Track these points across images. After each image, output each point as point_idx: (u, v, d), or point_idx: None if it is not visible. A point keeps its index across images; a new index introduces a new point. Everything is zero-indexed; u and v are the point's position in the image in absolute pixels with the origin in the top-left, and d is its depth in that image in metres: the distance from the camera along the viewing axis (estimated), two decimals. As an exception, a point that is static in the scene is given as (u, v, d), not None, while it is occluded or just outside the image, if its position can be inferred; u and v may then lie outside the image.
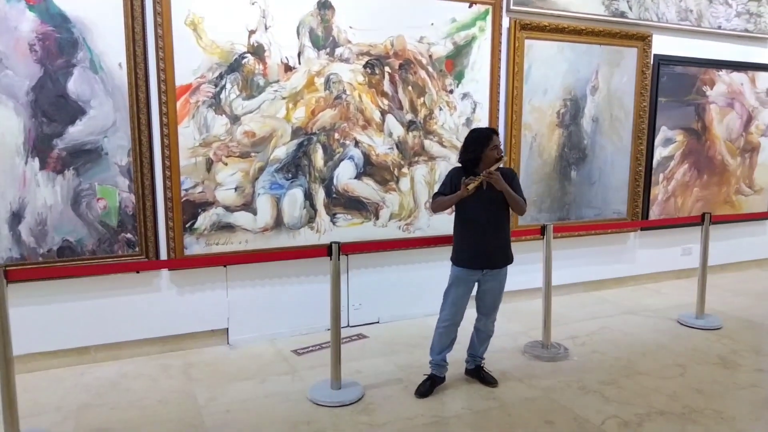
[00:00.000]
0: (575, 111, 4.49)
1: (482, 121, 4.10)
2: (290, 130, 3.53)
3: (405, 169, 3.91)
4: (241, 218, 3.50)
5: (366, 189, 3.81)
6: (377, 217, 3.87)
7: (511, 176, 2.80)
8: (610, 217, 4.74)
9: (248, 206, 3.51)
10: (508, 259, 2.86)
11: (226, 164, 3.43)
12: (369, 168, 3.79)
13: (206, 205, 3.42)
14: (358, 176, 3.76)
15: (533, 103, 4.29)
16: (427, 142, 3.95)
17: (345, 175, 3.74)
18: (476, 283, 2.84)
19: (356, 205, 3.80)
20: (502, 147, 2.97)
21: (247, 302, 3.64)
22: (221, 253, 3.45)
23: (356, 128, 3.71)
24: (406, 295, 4.03)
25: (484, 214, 2.74)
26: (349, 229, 3.78)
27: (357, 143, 3.73)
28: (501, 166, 2.74)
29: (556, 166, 4.48)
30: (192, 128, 3.32)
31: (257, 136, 3.48)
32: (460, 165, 2.81)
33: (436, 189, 3.21)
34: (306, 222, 3.65)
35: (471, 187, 2.65)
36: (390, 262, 4.00)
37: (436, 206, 2.83)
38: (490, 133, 2.74)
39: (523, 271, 4.18)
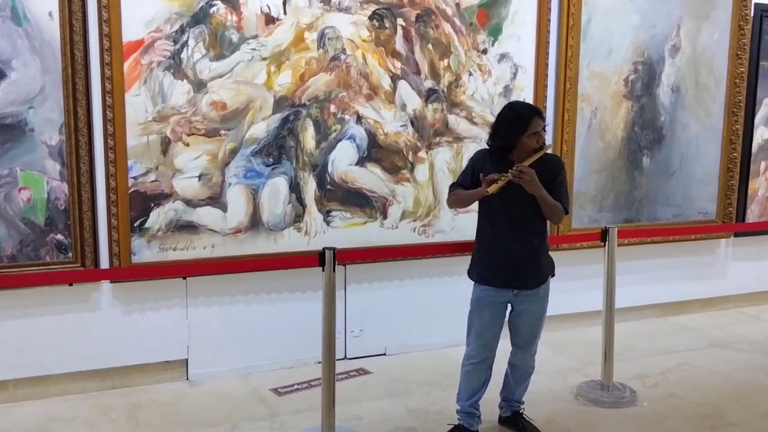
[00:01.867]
0: (649, 78, 4.48)
1: (525, 92, 4.09)
2: (272, 101, 3.55)
3: (422, 153, 3.93)
4: (206, 216, 3.52)
5: (371, 179, 3.83)
6: (385, 216, 3.89)
7: (555, 170, 2.77)
8: (695, 218, 4.74)
9: (216, 200, 3.53)
10: (543, 276, 2.84)
11: (187, 145, 3.45)
12: (375, 151, 3.81)
13: (161, 198, 3.44)
14: (360, 162, 3.79)
15: (593, 68, 4.30)
16: (451, 118, 3.97)
17: (343, 161, 3.76)
18: (508, 306, 2.83)
19: (358, 200, 3.81)
20: (547, 131, 2.97)
21: (213, 325, 3.66)
22: (180, 260, 3.46)
23: (359, 99, 3.74)
24: (422, 320, 4.08)
25: (514, 215, 2.75)
26: (348, 231, 3.81)
27: (359, 119, 3.75)
28: (543, 154, 2.73)
29: (623, 151, 4.49)
30: (144, 97, 3.33)
31: (229, 108, 3.50)
32: (487, 147, 2.83)
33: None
34: (291, 221, 3.68)
35: (492, 189, 2.67)
36: (401, 274, 4.03)
37: (453, 201, 2.88)
38: (530, 114, 2.71)
39: (576, 288, 4.20)
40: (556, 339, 4.16)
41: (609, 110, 4.39)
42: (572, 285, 4.15)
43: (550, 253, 2.95)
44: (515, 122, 2.69)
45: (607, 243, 3.47)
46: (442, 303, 4.04)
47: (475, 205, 2.91)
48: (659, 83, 4.50)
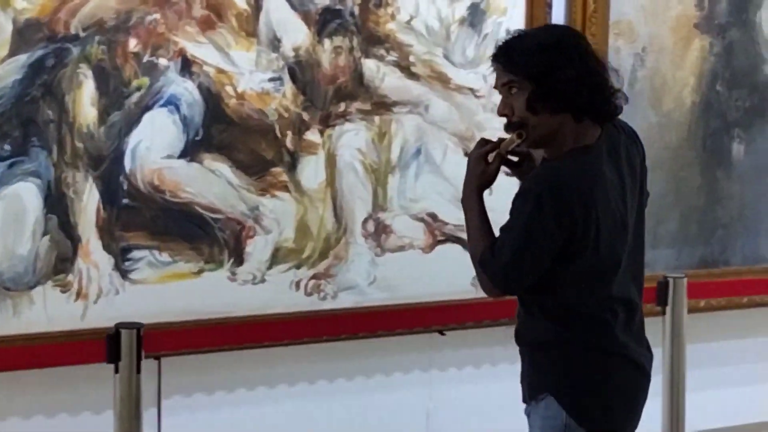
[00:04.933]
0: None
1: (510, 16, 4.03)
2: (9, 31, 3.36)
3: (313, 134, 3.82)
4: None
5: (210, 185, 3.69)
6: (239, 259, 3.74)
7: (518, 192, 2.81)
8: None
9: None
10: (532, 383, 2.92)
11: None
12: (219, 130, 3.68)
13: None
14: (189, 152, 3.64)
15: None
16: (369, 66, 3.87)
17: (156, 149, 3.60)
18: None
19: (185, 227, 3.67)
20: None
21: None
22: None
23: (185, 27, 3.58)
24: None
25: None
26: (167, 288, 3.65)
27: (188, 65, 3.60)
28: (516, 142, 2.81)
29: (696, 132, 4.47)
30: None
31: None
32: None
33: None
34: (50, 272, 3.48)
35: None
36: (276, 375, 3.91)
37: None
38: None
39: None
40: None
41: (668, 53, 4.32)
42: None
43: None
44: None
45: (669, 307, 3.56)
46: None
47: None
48: (762, 1, 4.48)
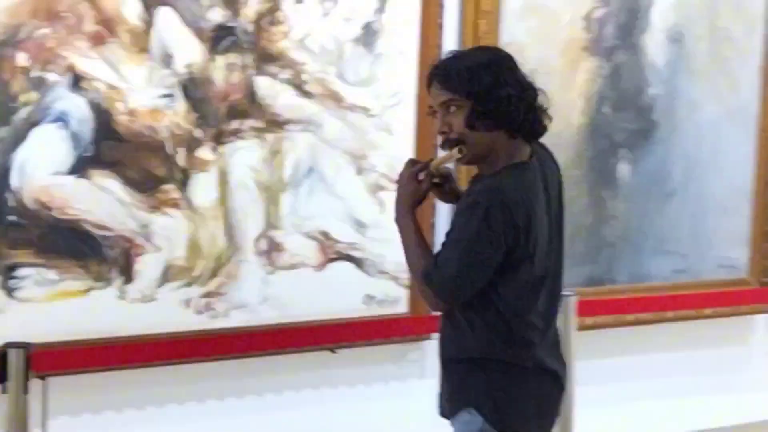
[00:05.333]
0: (629, 17, 4.52)
1: (402, 37, 4.10)
2: None
3: (206, 152, 3.86)
4: None
5: (100, 202, 3.70)
6: (129, 277, 3.76)
7: (460, 206, 3.01)
8: (712, 276, 4.83)
9: None
10: (453, 399, 3.03)
11: None
12: (108, 147, 3.69)
13: None
14: (78, 168, 3.64)
15: None
16: (263, 83, 3.93)
17: (42, 166, 3.60)
18: None
19: (73, 245, 3.67)
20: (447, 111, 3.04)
21: None
22: None
23: (75, 41, 3.58)
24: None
25: None
26: (54, 307, 3.64)
27: (78, 81, 3.61)
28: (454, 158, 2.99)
29: (583, 152, 4.55)
30: None
31: None
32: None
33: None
34: None
35: None
36: (168, 394, 3.90)
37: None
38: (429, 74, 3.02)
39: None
40: None
41: (558, 75, 4.39)
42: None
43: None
44: None
45: (560, 325, 3.41)
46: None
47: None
48: (646, 26, 4.57)
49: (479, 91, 2.82)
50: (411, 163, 3.03)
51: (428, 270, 2.92)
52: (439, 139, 2.95)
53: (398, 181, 3.02)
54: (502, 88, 2.83)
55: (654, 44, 4.58)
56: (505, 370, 2.96)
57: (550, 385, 3.05)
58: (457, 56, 3.00)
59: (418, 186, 2.95)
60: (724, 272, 4.83)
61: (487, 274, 2.88)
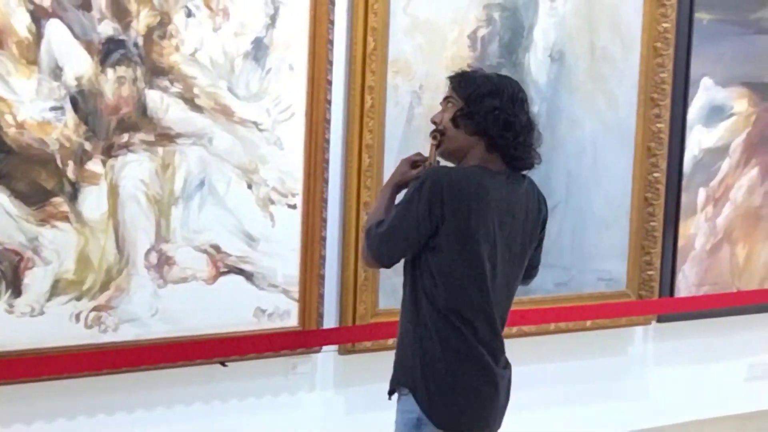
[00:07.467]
0: (512, 35, 4.58)
1: (292, 51, 4.13)
2: None
3: (95, 165, 3.84)
4: None
5: None
6: (17, 291, 3.72)
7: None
8: (591, 289, 4.87)
9: None
10: (395, 377, 3.28)
11: None
12: None
13: None
14: None
15: (415, 13, 4.36)
16: (153, 97, 3.91)
17: None
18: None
19: None
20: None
21: None
22: None
23: None
24: None
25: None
26: None
27: None
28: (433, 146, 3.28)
29: None
30: None
31: None
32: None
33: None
34: None
35: None
36: (57, 410, 3.85)
37: None
38: None
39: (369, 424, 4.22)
40: None
41: (443, 90, 4.09)
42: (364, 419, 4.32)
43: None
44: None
45: None
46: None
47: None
48: (529, 45, 4.62)
49: (471, 94, 3.10)
50: (416, 154, 3.30)
51: (370, 226, 3.23)
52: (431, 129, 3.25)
53: (398, 165, 3.33)
54: (493, 100, 3.07)
55: (536, 63, 4.65)
56: (440, 356, 3.11)
57: (484, 382, 3.17)
58: (477, 70, 3.35)
59: (408, 171, 3.25)
60: (604, 285, 4.88)
61: (410, 242, 3.12)
